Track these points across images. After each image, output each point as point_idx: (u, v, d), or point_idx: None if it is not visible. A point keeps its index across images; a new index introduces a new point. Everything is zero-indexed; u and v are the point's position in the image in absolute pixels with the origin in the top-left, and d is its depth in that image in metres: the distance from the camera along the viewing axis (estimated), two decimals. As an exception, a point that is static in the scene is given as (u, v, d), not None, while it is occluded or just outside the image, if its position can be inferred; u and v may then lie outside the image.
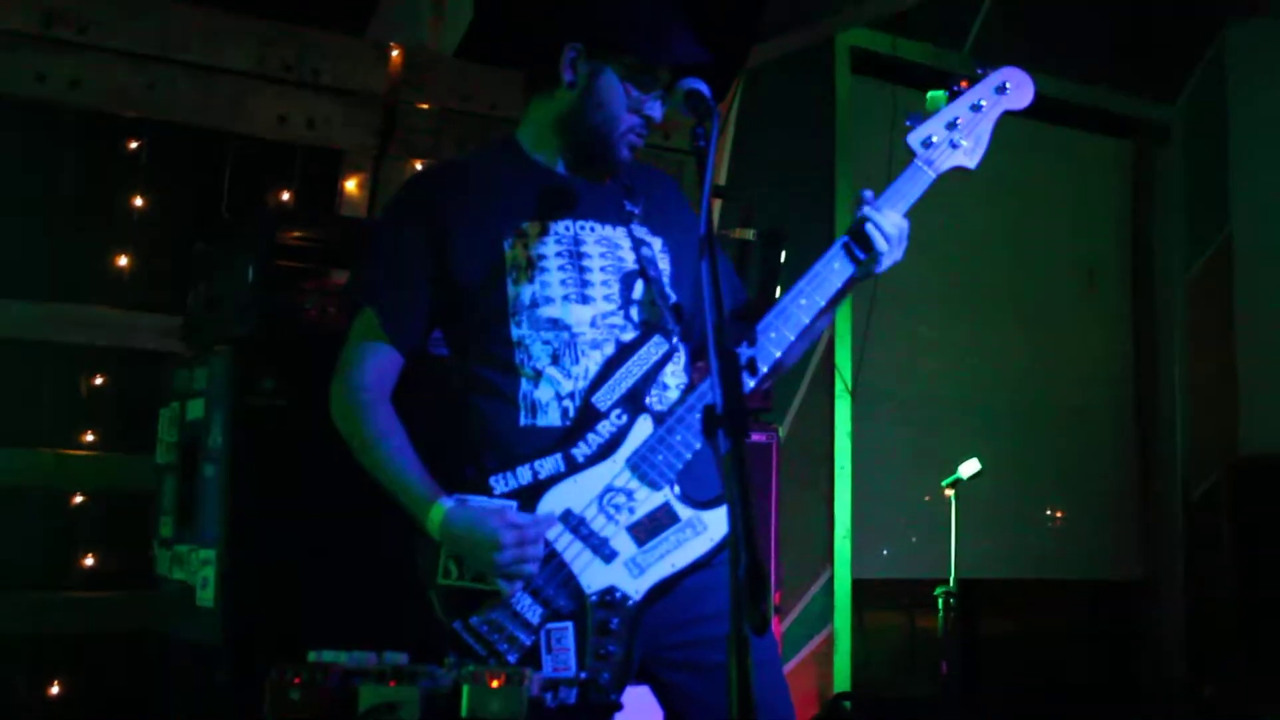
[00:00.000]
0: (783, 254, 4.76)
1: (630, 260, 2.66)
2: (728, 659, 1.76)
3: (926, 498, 6.37)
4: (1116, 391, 7.54)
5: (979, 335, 6.94)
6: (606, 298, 2.61)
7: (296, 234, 3.67)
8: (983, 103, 2.73)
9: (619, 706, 2.29)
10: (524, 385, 2.57)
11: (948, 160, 2.69)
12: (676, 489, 2.52)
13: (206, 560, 3.54)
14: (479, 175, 2.70)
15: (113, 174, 4.58)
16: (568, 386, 2.56)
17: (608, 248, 2.65)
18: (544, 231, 2.62)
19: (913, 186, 2.66)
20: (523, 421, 2.56)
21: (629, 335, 2.60)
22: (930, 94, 2.75)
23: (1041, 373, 7.14)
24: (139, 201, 4.59)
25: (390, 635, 2.37)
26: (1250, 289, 7.28)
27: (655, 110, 2.65)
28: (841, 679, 5.99)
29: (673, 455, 2.51)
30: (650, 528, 2.50)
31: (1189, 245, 7.53)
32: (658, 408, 2.57)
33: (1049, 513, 7.21)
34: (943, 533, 5.47)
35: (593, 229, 2.66)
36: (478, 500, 2.48)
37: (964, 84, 2.74)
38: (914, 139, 2.69)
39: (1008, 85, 2.74)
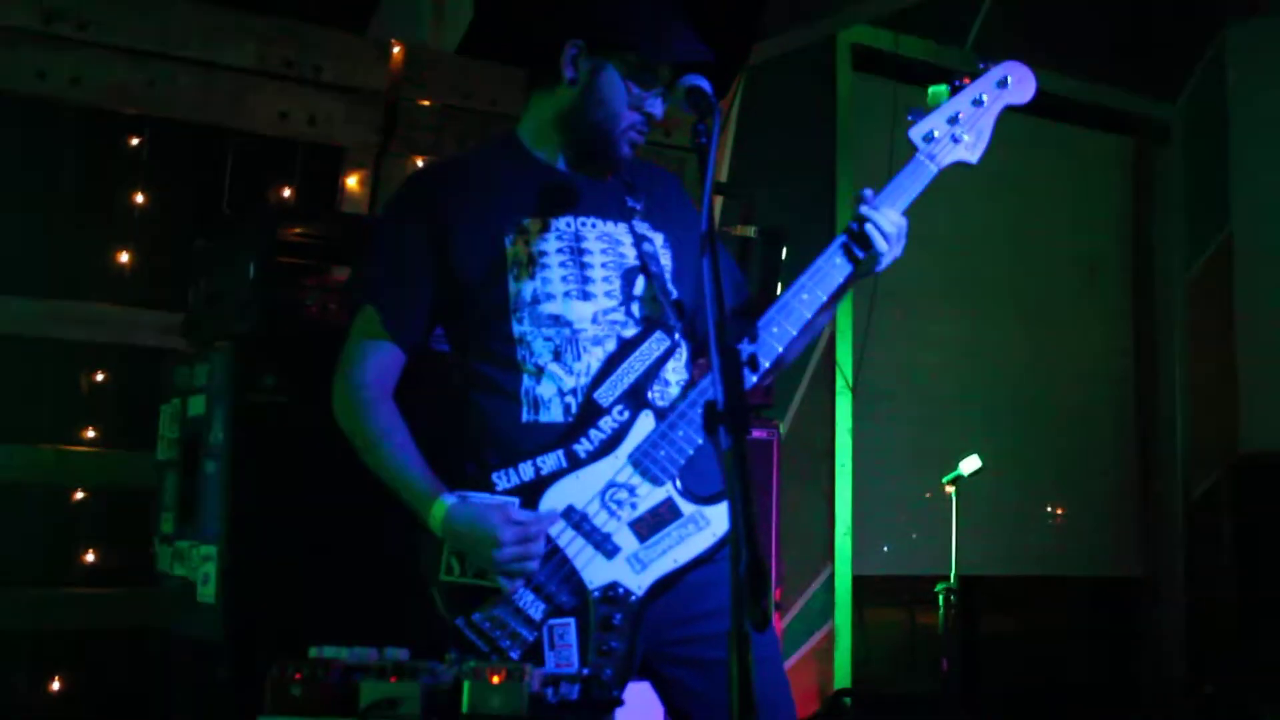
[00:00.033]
0: (784, 251, 4.76)
1: (632, 256, 2.65)
2: (729, 655, 1.76)
3: (927, 494, 6.37)
4: (1117, 389, 7.54)
5: (980, 332, 6.95)
6: (608, 294, 2.61)
7: (297, 230, 3.67)
8: (984, 97, 2.72)
9: (620, 702, 2.29)
10: (526, 382, 2.57)
11: (949, 155, 2.69)
12: (678, 484, 2.52)
13: (207, 556, 3.54)
14: (480, 172, 2.70)
15: (113, 170, 4.58)
16: (569, 383, 2.56)
17: (609, 244, 2.65)
18: (545, 228, 2.62)
19: (914, 181, 2.66)
20: (524, 418, 2.56)
21: (630, 331, 2.60)
22: (932, 89, 2.74)
23: (1042, 370, 7.15)
24: (140, 198, 4.59)
25: (391, 631, 2.37)
26: (1250, 288, 7.29)
27: (656, 107, 2.64)
28: (842, 675, 5.99)
29: (675, 451, 2.51)
30: (652, 523, 2.50)
31: (1189, 244, 7.53)
32: (659, 404, 2.57)
33: (1049, 510, 7.22)
34: (943, 529, 5.48)
35: (594, 225, 2.66)
36: (479, 497, 2.48)
37: (966, 79, 2.74)
38: (915, 134, 2.69)
39: (1009, 80, 2.74)
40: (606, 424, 2.53)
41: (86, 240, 4.54)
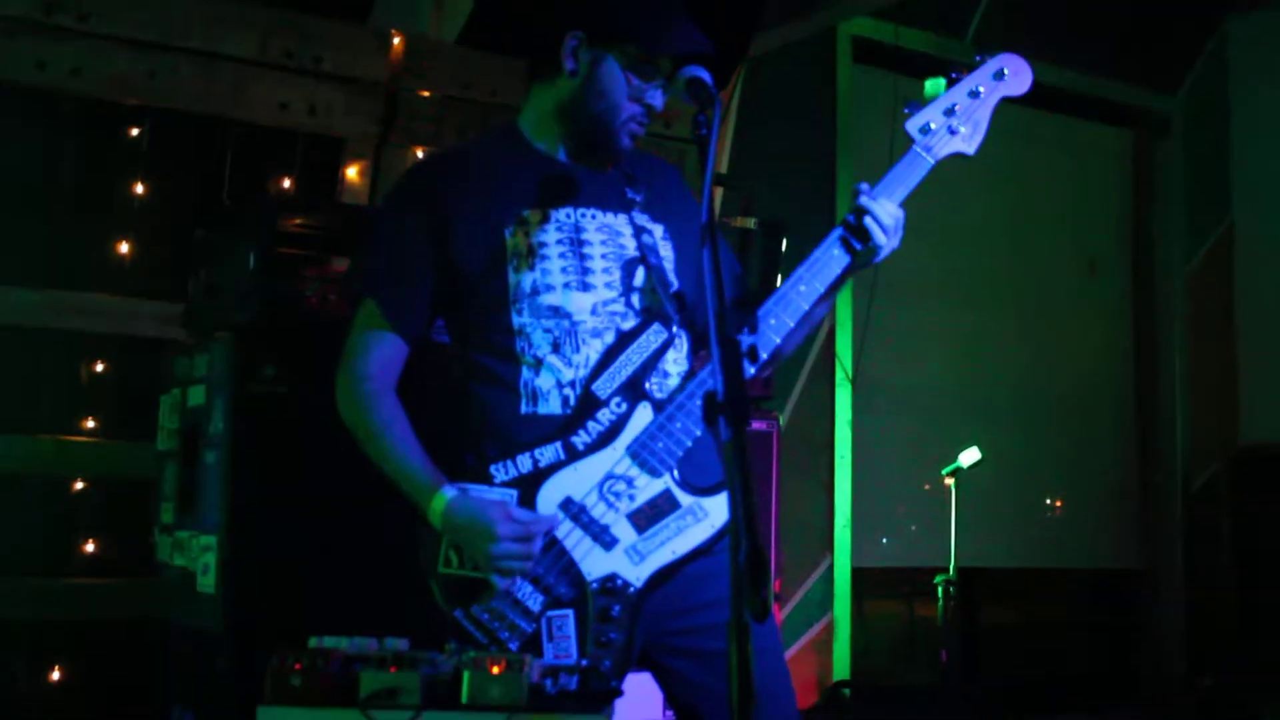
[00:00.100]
0: (784, 243, 4.77)
1: (631, 248, 2.65)
2: (728, 646, 1.77)
3: (926, 486, 6.38)
4: (1117, 381, 7.55)
5: (980, 325, 6.95)
6: (608, 285, 2.61)
7: (297, 221, 3.67)
8: (980, 89, 2.73)
9: (619, 693, 2.29)
10: (525, 373, 2.57)
11: (946, 147, 2.69)
12: (676, 476, 2.52)
13: (207, 546, 3.55)
14: (480, 163, 2.70)
15: (113, 161, 4.57)
16: (568, 375, 2.56)
17: (609, 235, 2.65)
18: (545, 219, 2.62)
19: (911, 173, 2.66)
20: (523, 410, 2.56)
21: (629, 323, 2.60)
22: (928, 81, 2.75)
23: (1042, 363, 7.15)
24: (140, 189, 4.59)
25: (391, 622, 2.37)
26: (1251, 281, 7.29)
27: (657, 99, 2.64)
28: (841, 667, 6.00)
29: (673, 442, 2.51)
30: (651, 515, 2.50)
31: (1189, 237, 7.54)
32: (658, 395, 2.57)
33: (1049, 502, 7.23)
34: (943, 521, 5.48)
35: (594, 216, 2.66)
36: (479, 490, 2.48)
37: (963, 71, 2.74)
38: (912, 126, 2.70)
39: (1005, 72, 2.75)
40: (604, 416, 2.53)
41: (86, 231, 4.54)
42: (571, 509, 2.49)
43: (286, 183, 4.83)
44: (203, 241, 3.98)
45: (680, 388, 2.57)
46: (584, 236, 2.63)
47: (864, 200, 2.59)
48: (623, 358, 2.56)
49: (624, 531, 2.49)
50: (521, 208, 2.62)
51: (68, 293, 4.42)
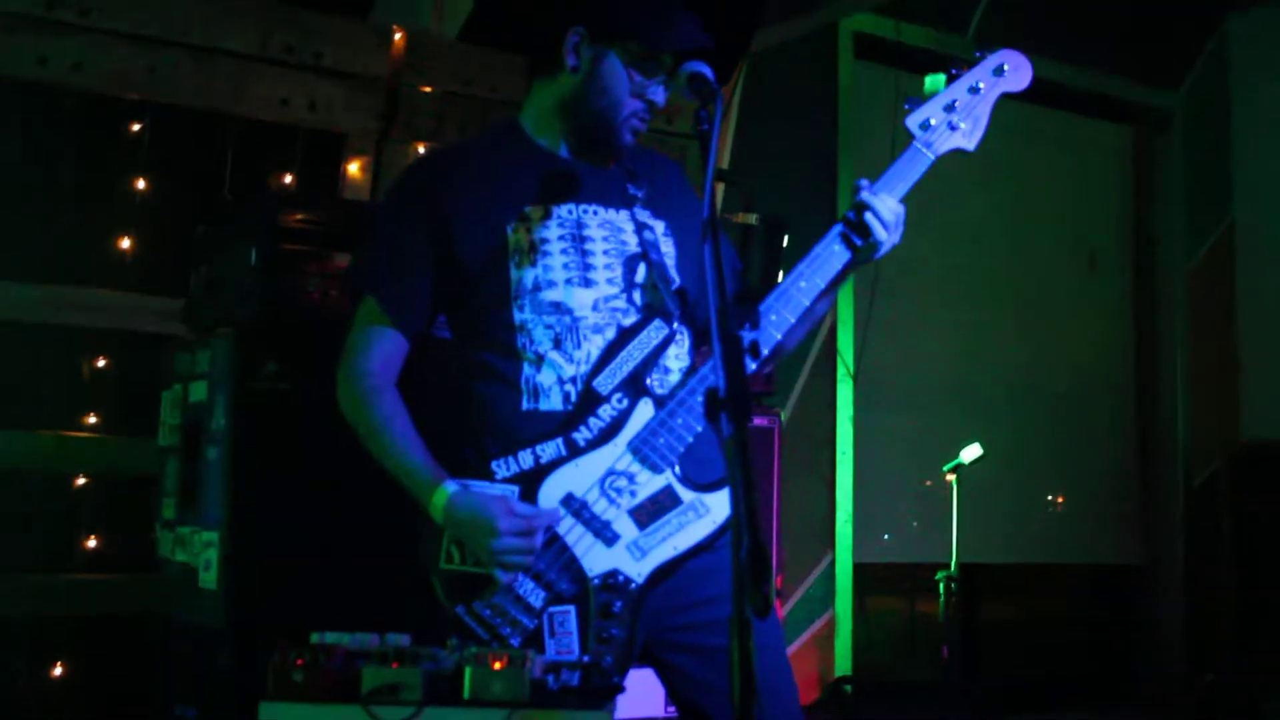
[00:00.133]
0: (785, 239, 4.76)
1: (633, 244, 2.65)
2: (730, 641, 1.77)
3: (928, 482, 6.38)
4: (1117, 378, 7.54)
5: (981, 321, 6.94)
6: (609, 281, 2.61)
7: (299, 217, 3.66)
8: (980, 85, 2.73)
9: (621, 689, 2.29)
10: (526, 370, 2.57)
11: (946, 142, 2.69)
12: (678, 472, 2.52)
13: (209, 542, 3.55)
14: (481, 159, 2.70)
15: (114, 157, 4.57)
16: (569, 371, 2.56)
17: (610, 231, 2.65)
18: (546, 215, 2.62)
19: (911, 169, 2.67)
20: (524, 406, 2.56)
21: (631, 319, 2.60)
22: (928, 77, 2.75)
23: (1043, 359, 7.15)
24: (141, 184, 4.59)
25: (393, 618, 2.37)
26: (1252, 278, 7.28)
27: (658, 95, 2.64)
28: (842, 663, 6.00)
29: (674, 438, 2.51)
30: (652, 511, 2.50)
31: (1190, 234, 7.53)
32: (659, 391, 2.57)
33: (1050, 498, 7.23)
34: (944, 517, 5.48)
35: (595, 213, 2.66)
36: (480, 486, 2.48)
37: (963, 67, 2.74)
38: (912, 122, 2.70)
39: (1005, 68, 2.75)
40: (605, 412, 2.53)
41: (87, 226, 4.53)
42: (573, 505, 2.49)
43: (288, 178, 4.82)
44: (204, 237, 3.97)
45: (682, 384, 2.58)
46: (586, 233, 2.63)
47: (865, 196, 2.60)
48: (624, 354, 2.56)
49: (625, 527, 2.49)
50: (523, 204, 2.62)
51: (69, 288, 4.42)
